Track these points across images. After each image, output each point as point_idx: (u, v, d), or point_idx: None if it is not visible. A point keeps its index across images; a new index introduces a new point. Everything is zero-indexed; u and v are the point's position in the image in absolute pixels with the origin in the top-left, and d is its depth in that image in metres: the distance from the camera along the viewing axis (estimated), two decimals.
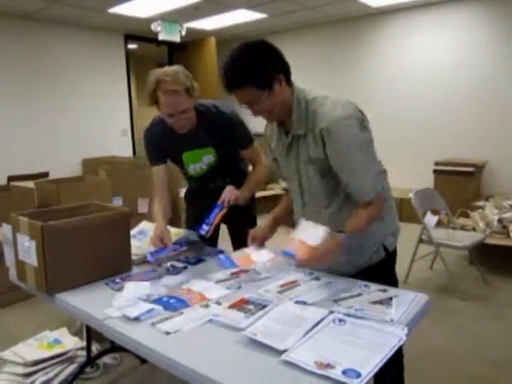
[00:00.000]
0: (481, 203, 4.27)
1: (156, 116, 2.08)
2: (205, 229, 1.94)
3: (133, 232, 2.10)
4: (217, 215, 1.94)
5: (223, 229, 2.26)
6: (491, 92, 5.13)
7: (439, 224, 3.91)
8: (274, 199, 6.30)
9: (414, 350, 1.77)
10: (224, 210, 1.94)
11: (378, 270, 1.64)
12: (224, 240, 2.31)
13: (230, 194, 1.97)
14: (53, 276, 1.57)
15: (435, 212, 3.68)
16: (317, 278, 1.61)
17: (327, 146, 1.48)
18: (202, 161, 2.09)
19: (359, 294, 1.46)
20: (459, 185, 4.90)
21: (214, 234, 2.32)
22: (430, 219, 3.57)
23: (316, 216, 1.61)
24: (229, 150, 2.08)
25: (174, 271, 1.79)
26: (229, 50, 1.47)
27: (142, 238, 2.10)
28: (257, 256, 1.79)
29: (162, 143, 2.08)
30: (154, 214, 2.10)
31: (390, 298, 1.42)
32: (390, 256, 1.68)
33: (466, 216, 4.07)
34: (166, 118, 1.89)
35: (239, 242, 2.23)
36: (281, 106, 1.52)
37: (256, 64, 1.44)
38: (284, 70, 1.50)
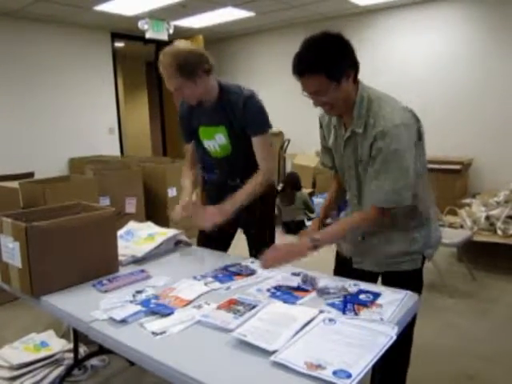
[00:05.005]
0: (468, 201, 4.29)
1: None
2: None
3: (120, 232, 2.08)
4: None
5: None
6: (477, 90, 5.17)
7: None
8: None
9: None
10: None
11: (409, 278, 1.63)
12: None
13: (211, 218, 1.93)
14: (37, 278, 1.54)
15: None
16: (305, 278, 1.60)
17: (374, 146, 1.49)
18: (214, 139, 2.08)
19: (349, 293, 1.46)
20: (446, 182, 4.93)
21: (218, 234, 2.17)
22: None
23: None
24: (241, 135, 2.03)
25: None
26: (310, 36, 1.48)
27: (129, 239, 2.08)
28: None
29: (187, 118, 2.15)
30: (182, 183, 2.23)
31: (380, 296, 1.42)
32: (423, 267, 1.69)
33: (454, 213, 4.10)
34: None
35: (258, 246, 2.04)
36: (344, 101, 1.54)
37: (332, 54, 1.45)
38: (354, 67, 1.53)
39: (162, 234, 2.06)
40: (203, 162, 2.24)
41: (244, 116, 1.98)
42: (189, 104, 2.08)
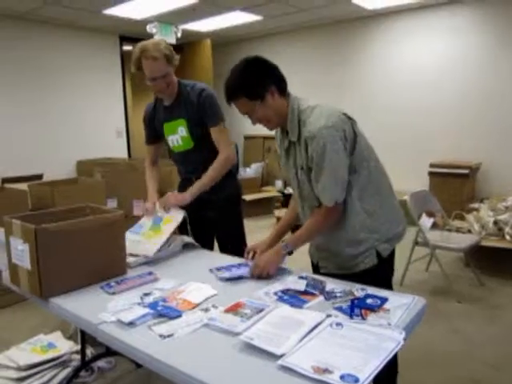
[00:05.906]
0: (476, 205, 4.27)
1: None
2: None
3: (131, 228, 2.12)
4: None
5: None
6: (485, 94, 5.16)
7: (435, 226, 3.91)
8: (269, 201, 6.29)
9: (409, 351, 1.76)
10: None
11: (371, 275, 1.64)
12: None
13: (169, 200, 2.13)
14: (46, 280, 1.55)
15: (430, 214, 3.68)
16: (312, 281, 1.60)
17: (309, 151, 1.57)
18: (177, 133, 2.24)
19: (356, 297, 1.46)
20: (454, 187, 4.91)
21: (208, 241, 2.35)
22: (426, 221, 3.56)
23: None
24: (200, 127, 2.19)
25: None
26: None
27: (138, 231, 2.12)
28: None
29: (152, 119, 2.35)
30: (147, 184, 2.48)
31: (387, 301, 1.41)
32: (384, 262, 1.68)
33: (462, 218, 4.08)
34: (149, 82, 2.12)
35: (224, 246, 2.28)
36: (276, 115, 1.64)
37: (248, 77, 1.59)
38: (276, 82, 1.62)
39: (168, 220, 2.07)
40: (175, 163, 2.44)
41: (199, 107, 2.15)
42: (152, 104, 2.34)
